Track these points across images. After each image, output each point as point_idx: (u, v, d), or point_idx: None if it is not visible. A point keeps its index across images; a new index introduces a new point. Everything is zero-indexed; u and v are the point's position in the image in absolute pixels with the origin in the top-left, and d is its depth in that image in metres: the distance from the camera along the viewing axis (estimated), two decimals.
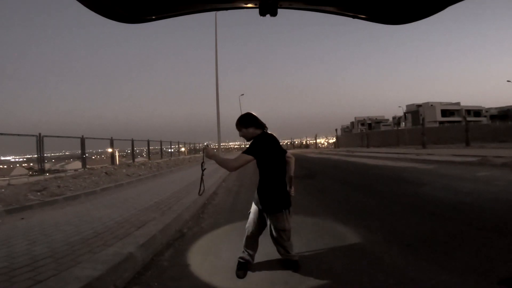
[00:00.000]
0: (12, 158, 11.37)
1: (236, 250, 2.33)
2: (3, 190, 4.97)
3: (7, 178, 7.52)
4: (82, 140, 9.71)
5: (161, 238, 2.87)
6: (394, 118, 57.22)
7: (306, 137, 61.35)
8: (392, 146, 25.63)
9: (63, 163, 13.74)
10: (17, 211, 4.11)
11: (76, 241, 2.62)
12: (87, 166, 9.73)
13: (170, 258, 2.52)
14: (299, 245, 2.23)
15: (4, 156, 10.04)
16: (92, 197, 5.43)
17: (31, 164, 9.94)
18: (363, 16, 1.54)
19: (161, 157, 18.40)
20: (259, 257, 2.26)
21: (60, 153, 13.13)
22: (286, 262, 2.20)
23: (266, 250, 2.43)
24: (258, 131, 2.04)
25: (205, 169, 2.24)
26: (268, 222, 2.05)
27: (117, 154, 13.03)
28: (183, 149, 26.77)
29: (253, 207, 2.11)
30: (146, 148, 16.67)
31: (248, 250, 2.13)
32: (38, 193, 5.05)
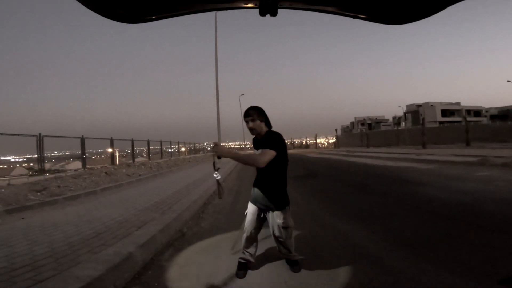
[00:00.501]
0: (12, 158, 11.37)
1: (236, 250, 2.34)
2: (3, 190, 4.97)
3: (7, 178, 7.52)
4: (82, 140, 9.71)
5: (161, 238, 2.87)
6: (394, 118, 57.23)
7: (306, 137, 61.36)
8: (392, 146, 25.63)
9: (63, 163, 13.73)
10: (17, 211, 4.11)
11: (76, 241, 2.62)
12: (87, 166, 9.73)
13: (170, 258, 2.52)
14: (299, 245, 2.23)
15: (4, 156, 10.03)
16: (92, 197, 5.43)
17: (31, 164, 9.94)
18: (363, 16, 1.54)
19: (161, 157, 18.40)
20: (259, 257, 2.26)
21: (60, 153, 13.13)
22: (287, 261, 2.21)
23: (266, 250, 2.44)
24: (265, 128, 2.00)
25: (218, 168, 2.05)
26: (270, 221, 2.03)
27: (117, 154, 13.03)
28: (183, 149, 26.77)
29: (251, 207, 2.08)
30: (146, 148, 16.67)
31: (248, 251, 2.12)
32: (38, 193, 5.05)
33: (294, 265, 2.15)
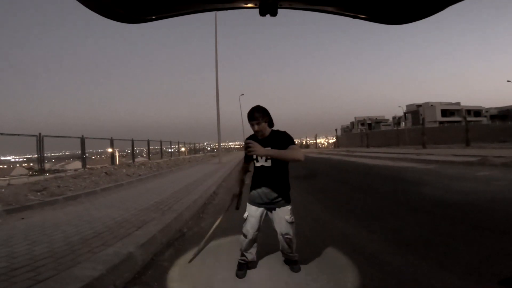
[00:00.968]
0: (12, 158, 11.38)
1: (236, 250, 2.33)
2: (3, 190, 4.97)
3: (7, 178, 7.53)
4: (82, 140, 9.71)
5: (161, 238, 2.87)
6: (394, 118, 57.23)
7: (306, 137, 61.43)
8: (392, 146, 25.64)
9: (63, 163, 13.74)
10: (17, 211, 4.11)
11: (76, 241, 2.62)
12: (87, 166, 9.73)
13: (170, 258, 2.52)
14: (299, 245, 2.23)
15: (4, 156, 10.04)
16: (92, 197, 5.43)
17: (31, 164, 9.94)
18: (363, 16, 1.53)
19: (161, 157, 18.41)
20: (259, 257, 2.26)
21: (60, 153, 13.14)
22: (286, 261, 2.20)
23: (266, 250, 2.44)
24: (268, 128, 2.00)
25: (246, 183, 2.08)
26: (276, 219, 2.01)
27: (117, 154, 13.04)
28: (183, 149, 26.78)
29: (252, 209, 2.04)
30: (146, 148, 16.68)
31: (247, 253, 2.11)
32: (38, 193, 5.05)
33: (294, 265, 2.15)
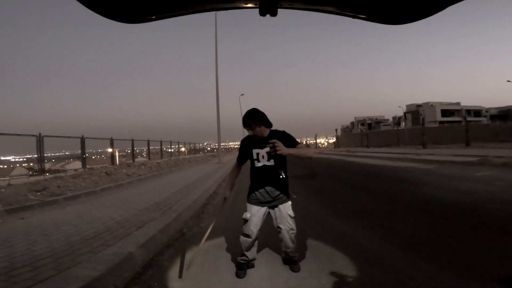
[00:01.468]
0: (12, 158, 11.37)
1: (236, 250, 2.33)
2: (3, 190, 4.97)
3: (7, 178, 7.53)
4: (82, 140, 9.71)
5: (161, 238, 2.87)
6: (394, 118, 57.25)
7: (306, 137, 61.40)
8: (392, 146, 25.64)
9: (63, 163, 13.74)
10: (17, 211, 4.11)
11: (76, 241, 2.62)
12: (87, 166, 9.73)
13: (170, 258, 2.52)
14: (299, 245, 2.23)
15: (4, 156, 10.04)
16: (92, 197, 5.43)
17: (31, 164, 9.94)
18: (363, 16, 1.53)
19: (161, 157, 18.42)
20: (259, 257, 2.26)
21: (60, 153, 13.13)
22: (286, 261, 2.21)
23: (266, 250, 2.44)
24: (266, 132, 2.00)
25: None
26: (279, 215, 2.02)
27: (117, 154, 13.04)
28: (183, 149, 26.79)
29: (254, 209, 2.04)
30: (146, 148, 16.69)
31: (248, 253, 2.11)
32: (38, 193, 5.05)
33: (294, 265, 2.15)
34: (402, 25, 1.57)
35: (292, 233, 2.04)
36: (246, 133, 2.06)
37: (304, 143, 52.76)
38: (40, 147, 7.78)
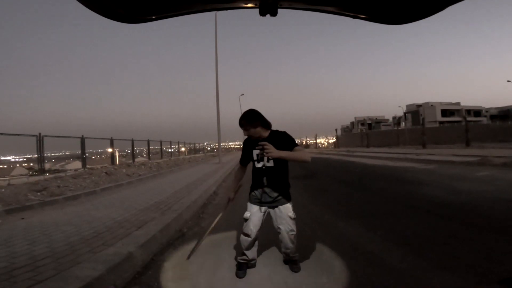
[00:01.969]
0: (12, 158, 11.37)
1: (236, 250, 2.34)
2: (3, 190, 4.97)
3: (7, 178, 7.53)
4: (82, 140, 9.71)
5: (161, 238, 2.87)
6: (394, 118, 57.25)
7: (306, 137, 61.44)
8: (392, 146, 25.65)
9: (63, 163, 13.74)
10: (17, 211, 4.11)
11: (76, 241, 2.62)
12: (87, 166, 9.73)
13: (170, 258, 2.52)
14: (299, 245, 2.23)
15: (4, 156, 10.04)
16: (92, 197, 5.43)
17: (31, 164, 9.95)
18: (363, 16, 1.53)
19: (161, 157, 18.42)
20: (259, 257, 2.26)
21: (60, 153, 13.13)
22: (286, 261, 2.20)
23: (266, 250, 2.44)
24: (264, 130, 2.00)
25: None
26: (280, 216, 2.01)
27: (117, 154, 13.04)
28: (183, 149, 26.79)
29: (254, 208, 2.05)
30: (146, 148, 16.69)
31: (249, 252, 2.11)
32: (38, 193, 5.05)
33: (294, 265, 2.15)
34: (402, 25, 1.57)
35: (292, 234, 2.03)
36: (250, 135, 2.06)
37: (304, 143, 52.81)
38: (40, 147, 7.78)
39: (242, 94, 32.08)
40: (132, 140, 13.91)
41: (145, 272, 2.24)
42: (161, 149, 19.60)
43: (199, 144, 39.13)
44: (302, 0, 1.50)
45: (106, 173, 7.91)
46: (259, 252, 2.23)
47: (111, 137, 11.74)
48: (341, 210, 4.05)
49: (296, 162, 1.91)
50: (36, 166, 8.38)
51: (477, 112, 50.68)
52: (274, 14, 1.43)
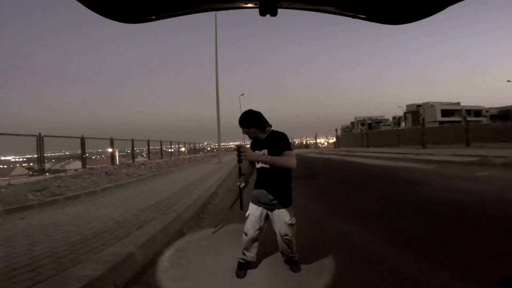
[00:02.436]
0: (12, 158, 11.37)
1: (236, 250, 2.33)
2: (3, 190, 4.97)
3: (7, 178, 7.54)
4: (82, 140, 9.71)
5: (161, 238, 2.87)
6: (394, 118, 57.24)
7: (306, 137, 61.49)
8: (392, 146, 25.65)
9: (63, 163, 13.75)
10: (17, 211, 4.11)
11: (76, 241, 2.62)
12: (87, 166, 9.73)
13: (170, 258, 2.52)
14: (299, 245, 2.23)
15: (4, 156, 10.04)
16: (92, 197, 5.43)
17: (31, 164, 9.95)
18: (363, 16, 1.53)
19: (161, 157, 18.41)
20: (259, 257, 2.26)
21: (60, 153, 13.14)
22: (286, 261, 2.20)
23: (266, 250, 2.43)
24: (261, 132, 2.00)
25: (244, 174, 2.13)
26: (276, 220, 2.00)
27: (117, 154, 13.04)
28: (183, 149, 26.79)
29: (253, 208, 2.05)
30: (146, 148, 16.68)
31: (248, 252, 2.11)
32: (38, 193, 5.05)
33: (294, 265, 2.15)
34: (402, 25, 1.57)
35: (286, 239, 2.00)
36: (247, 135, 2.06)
37: (304, 143, 52.74)
38: (40, 147, 7.78)
39: (242, 94, 32.07)
40: (132, 140, 13.91)
41: (145, 272, 2.24)
42: (161, 149, 19.59)
43: (199, 144, 39.14)
44: (302, 0, 1.50)
45: (106, 173, 7.91)
46: (260, 253, 2.22)
47: (111, 137, 11.74)
48: (341, 210, 4.05)
49: (279, 167, 1.89)
50: (36, 166, 8.38)
51: (477, 112, 50.67)
52: (274, 14, 1.43)
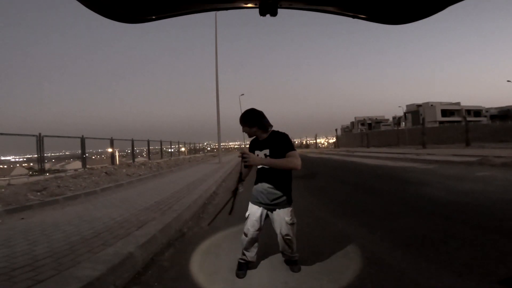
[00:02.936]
0: (12, 158, 11.38)
1: (236, 250, 2.33)
2: (3, 190, 4.97)
3: (7, 178, 7.54)
4: (82, 140, 9.71)
5: (161, 238, 2.87)
6: (394, 118, 57.23)
7: (306, 137, 61.55)
8: (392, 146, 25.66)
9: (63, 163, 13.75)
10: (17, 211, 4.11)
11: (76, 241, 2.62)
12: (87, 166, 9.73)
13: (170, 258, 2.52)
14: (299, 245, 2.23)
15: (4, 156, 10.05)
16: (92, 197, 5.43)
17: (31, 164, 9.95)
18: (363, 16, 1.53)
19: (161, 157, 18.42)
20: (259, 257, 2.26)
21: (60, 153, 13.13)
22: (287, 262, 2.20)
23: (266, 250, 2.44)
24: (262, 132, 2.00)
25: (243, 181, 2.15)
26: (277, 220, 2.00)
27: (117, 154, 13.04)
28: (183, 149, 26.79)
29: (253, 208, 2.05)
30: (146, 148, 16.69)
31: (248, 252, 2.11)
32: (38, 193, 5.05)
33: (294, 265, 2.15)
34: (402, 25, 1.57)
35: (287, 238, 2.01)
36: (246, 133, 2.06)
37: (304, 143, 52.71)
38: (40, 147, 7.78)
39: (242, 94, 32.11)
40: (132, 140, 13.91)
41: (145, 272, 2.24)
42: (161, 149, 19.59)
43: (199, 144, 39.14)
44: (302, 0, 1.50)
45: (106, 173, 7.90)
46: (260, 253, 2.23)
47: (111, 137, 11.75)
48: (341, 210, 4.05)
49: (284, 169, 1.90)
50: (36, 166, 8.38)
51: (477, 112, 50.67)
52: (274, 14, 1.43)
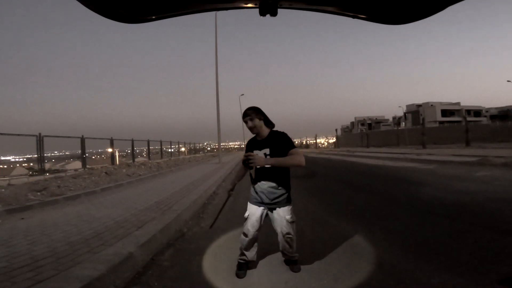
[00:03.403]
0: (12, 158, 11.38)
1: (236, 250, 2.33)
2: (3, 190, 4.97)
3: (7, 178, 7.53)
4: (82, 140, 9.71)
5: (161, 238, 2.87)
6: (394, 118, 57.22)
7: (306, 137, 61.57)
8: (392, 146, 25.67)
9: (63, 163, 13.74)
10: (17, 211, 4.11)
11: (76, 241, 2.62)
12: (87, 166, 9.74)
13: (170, 258, 2.52)
14: (299, 245, 2.23)
15: (4, 156, 10.05)
16: (92, 197, 5.43)
17: (31, 164, 9.95)
18: (363, 16, 1.53)
19: (161, 157, 18.42)
20: (259, 257, 2.26)
21: (60, 153, 13.13)
22: (286, 261, 2.20)
23: (266, 250, 2.44)
24: (266, 128, 2.03)
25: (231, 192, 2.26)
26: (277, 219, 2.00)
27: (117, 154, 13.04)
28: (183, 149, 26.79)
29: (252, 208, 2.05)
30: (146, 148, 16.69)
31: (248, 252, 2.11)
32: (38, 193, 5.05)
33: (294, 265, 2.15)
34: (402, 25, 1.57)
35: (288, 237, 2.01)
36: (246, 133, 2.08)
37: (304, 143, 52.72)
38: (40, 147, 7.78)
39: (242, 94, 32.13)
40: (132, 140, 13.91)
41: (145, 272, 2.24)
42: (161, 149, 19.60)
43: (199, 144, 39.15)
44: (302, 0, 1.50)
45: (106, 173, 7.90)
46: (259, 253, 2.23)
47: (111, 137, 11.75)
48: (341, 210, 4.05)
49: (289, 167, 1.93)
50: (36, 166, 8.38)
51: (477, 112, 50.66)
52: (274, 14, 1.43)
